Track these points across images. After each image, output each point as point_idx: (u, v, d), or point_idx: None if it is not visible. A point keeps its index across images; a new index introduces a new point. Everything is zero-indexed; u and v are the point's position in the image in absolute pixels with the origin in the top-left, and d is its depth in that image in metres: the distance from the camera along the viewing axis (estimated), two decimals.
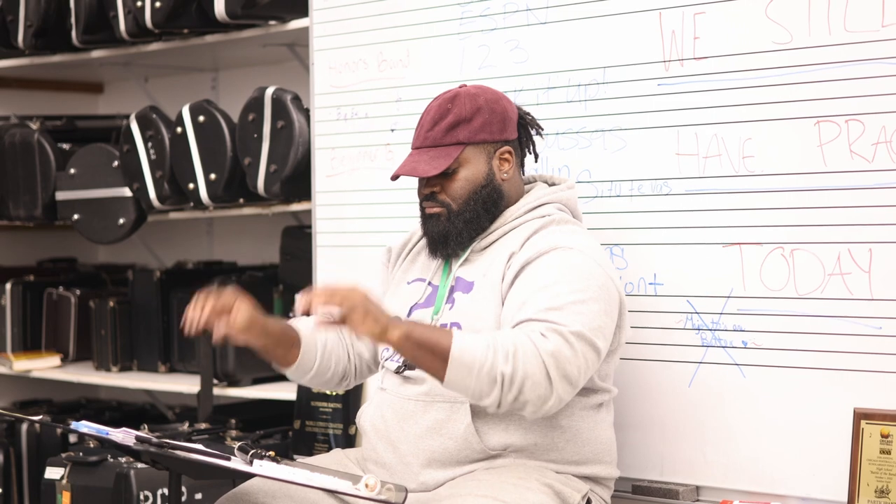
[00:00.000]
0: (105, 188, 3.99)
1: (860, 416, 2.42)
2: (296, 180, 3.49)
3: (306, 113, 3.48)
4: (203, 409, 3.70)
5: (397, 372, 2.46)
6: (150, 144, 3.83)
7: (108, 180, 3.98)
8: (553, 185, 2.58)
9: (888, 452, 2.39)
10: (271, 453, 2.22)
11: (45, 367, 4.30)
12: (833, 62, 2.46)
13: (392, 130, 3.16)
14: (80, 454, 3.26)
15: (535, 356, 2.19)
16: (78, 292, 4.34)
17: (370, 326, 2.19)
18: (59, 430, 4.06)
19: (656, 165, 2.70)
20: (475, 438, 2.35)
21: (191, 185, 3.72)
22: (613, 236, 2.76)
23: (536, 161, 2.63)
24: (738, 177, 2.59)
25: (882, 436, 2.40)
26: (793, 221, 2.52)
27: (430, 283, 2.51)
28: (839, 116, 2.46)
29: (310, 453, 3.25)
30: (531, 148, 2.58)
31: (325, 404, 3.32)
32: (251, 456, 2.21)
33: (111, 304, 4.14)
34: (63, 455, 3.30)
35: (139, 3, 3.74)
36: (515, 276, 2.36)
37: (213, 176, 3.68)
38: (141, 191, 3.87)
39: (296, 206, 3.62)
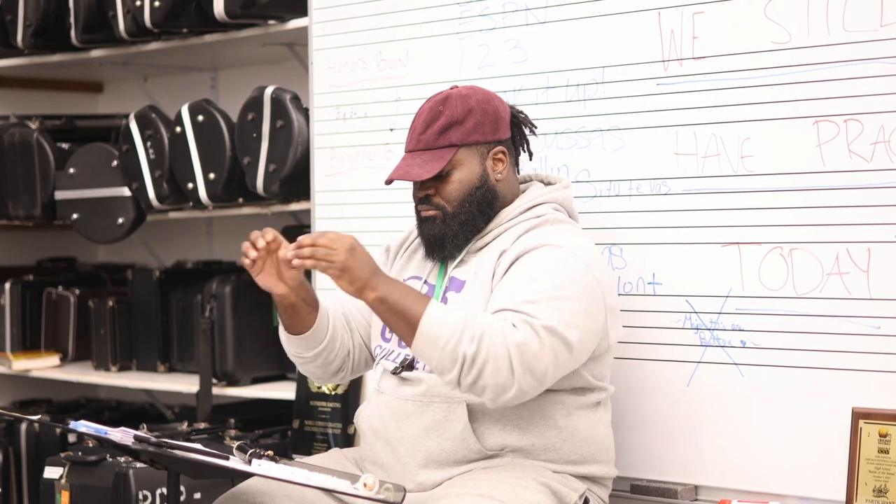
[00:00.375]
0: (104, 188, 3.99)
1: (858, 416, 2.42)
2: (295, 180, 3.49)
3: (305, 112, 3.48)
4: (202, 408, 3.70)
5: (394, 373, 2.46)
6: (149, 144, 3.83)
7: (107, 180, 3.98)
8: (549, 184, 2.57)
9: (886, 452, 2.39)
10: (270, 453, 2.23)
11: (44, 366, 4.30)
12: (832, 62, 2.46)
13: (391, 130, 3.16)
14: (79, 454, 3.26)
15: (501, 343, 2.19)
16: (77, 292, 4.34)
17: (345, 284, 2.24)
18: (58, 430, 4.06)
19: (655, 165, 2.70)
20: (472, 439, 2.35)
21: (190, 185, 3.72)
22: (612, 236, 2.76)
23: (531, 159, 2.63)
24: (737, 176, 2.59)
25: (880, 435, 2.40)
26: (791, 221, 2.52)
27: (426, 282, 2.51)
28: (838, 116, 2.46)
29: (308, 453, 3.25)
30: (525, 147, 2.58)
31: (323, 404, 3.32)
32: (250, 455, 2.21)
33: (110, 303, 4.14)
34: (62, 454, 3.29)
35: (138, 3, 3.74)
36: (504, 272, 2.37)
37: (212, 175, 3.68)
38: (140, 190, 3.87)
39: (295, 206, 3.62)
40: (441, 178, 2.44)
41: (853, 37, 2.44)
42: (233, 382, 3.76)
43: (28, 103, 4.71)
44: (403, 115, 3.12)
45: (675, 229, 2.67)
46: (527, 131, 2.58)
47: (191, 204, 3.80)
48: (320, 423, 3.32)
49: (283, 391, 3.62)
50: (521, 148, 2.57)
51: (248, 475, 2.36)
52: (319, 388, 3.33)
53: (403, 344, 2.48)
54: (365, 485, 2.06)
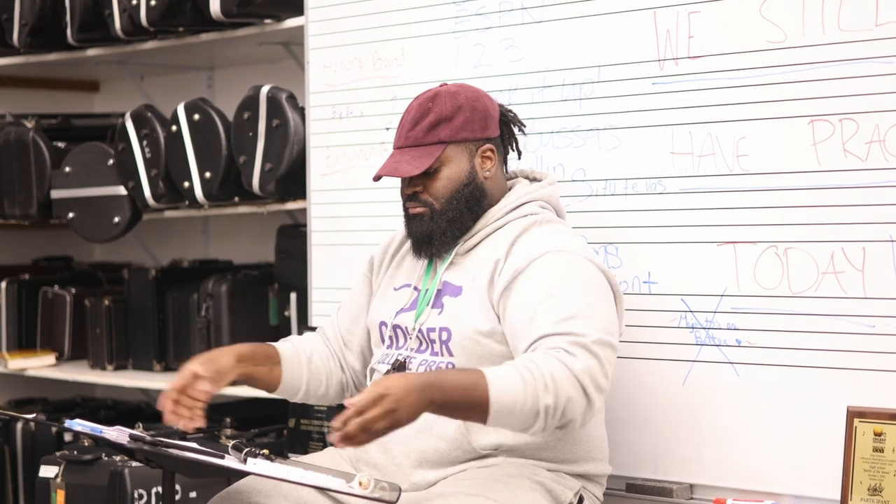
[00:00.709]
0: (100, 186, 3.99)
1: (853, 415, 2.42)
2: (291, 179, 3.49)
3: (301, 111, 3.48)
4: None
5: (386, 374, 2.46)
6: (145, 143, 3.83)
7: (103, 179, 3.98)
8: (534, 180, 2.57)
9: (881, 450, 2.40)
10: (265, 451, 2.22)
11: (40, 365, 4.29)
12: (827, 61, 2.46)
13: (387, 129, 3.16)
14: (75, 453, 3.26)
15: (571, 379, 2.16)
16: (73, 291, 4.33)
17: (406, 423, 2.08)
18: (53, 429, 4.06)
19: (651, 164, 2.70)
20: (465, 438, 2.35)
21: (186, 184, 3.72)
22: (608, 235, 2.76)
23: (520, 158, 2.63)
24: (733, 175, 2.59)
25: (875, 434, 2.40)
26: (787, 220, 2.52)
27: (415, 288, 2.50)
28: (833, 115, 2.46)
29: (304, 452, 3.24)
30: (514, 145, 2.58)
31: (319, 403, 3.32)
32: (245, 454, 2.21)
33: (106, 302, 4.13)
34: (58, 453, 3.29)
35: (134, 2, 3.73)
36: (507, 286, 2.34)
37: (208, 174, 3.68)
38: (136, 189, 3.86)
39: (291, 205, 3.62)
40: (429, 174, 2.44)
41: (848, 36, 2.44)
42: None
43: (24, 102, 4.70)
44: (399, 115, 3.09)
45: (671, 228, 2.68)
46: (516, 130, 2.57)
47: (187, 203, 3.80)
48: (316, 422, 3.32)
49: None
50: (509, 146, 2.57)
51: (243, 474, 2.36)
52: None
53: (399, 346, 2.49)
54: (360, 483, 2.06)
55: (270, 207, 3.70)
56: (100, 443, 2.55)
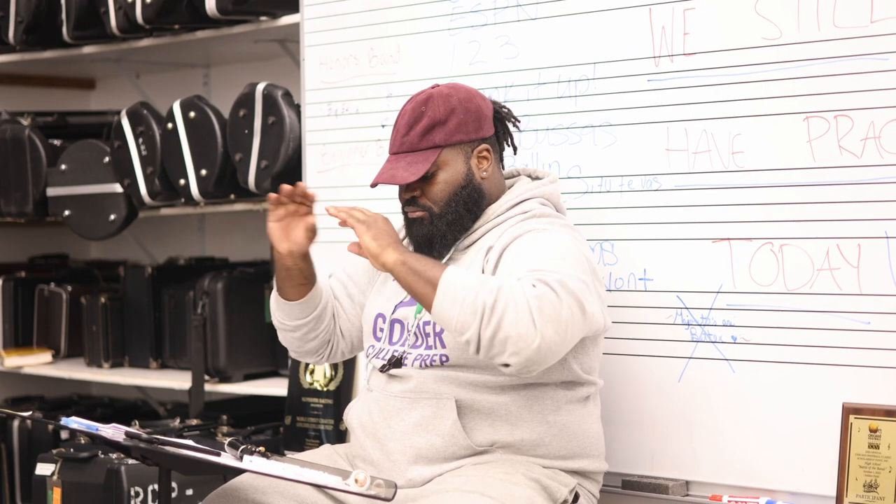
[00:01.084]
0: (96, 184, 3.99)
1: (849, 411, 2.43)
2: (286, 176, 3.49)
3: (297, 109, 3.48)
4: (194, 405, 3.70)
5: (382, 370, 2.46)
6: (140, 140, 3.83)
7: (99, 176, 3.98)
8: (536, 178, 2.57)
9: (877, 447, 2.40)
10: (261, 449, 2.22)
11: (36, 363, 4.29)
12: (822, 58, 2.47)
13: (383, 126, 3.16)
14: (71, 450, 3.26)
15: (520, 294, 2.15)
16: (69, 288, 4.34)
17: (369, 243, 2.33)
18: (50, 427, 4.06)
19: (646, 161, 2.70)
20: (461, 435, 2.35)
21: (181, 181, 3.72)
22: (603, 232, 2.76)
23: (515, 154, 2.63)
24: (728, 172, 2.59)
25: (871, 430, 2.41)
26: (782, 217, 2.52)
27: None
28: (828, 112, 2.46)
29: (301, 449, 3.25)
30: (509, 141, 2.58)
31: (316, 400, 3.32)
32: (241, 451, 2.21)
33: (103, 300, 4.13)
34: (54, 451, 3.29)
35: None
36: (495, 265, 2.36)
37: (203, 172, 3.68)
38: (132, 187, 3.86)
39: None
40: (426, 179, 2.44)
41: (843, 33, 2.44)
42: (225, 379, 3.76)
43: (20, 100, 4.70)
44: (395, 112, 3.08)
45: (666, 225, 2.68)
46: (510, 125, 2.57)
47: (182, 200, 3.80)
48: (312, 419, 3.32)
49: (276, 388, 3.62)
50: (505, 143, 2.57)
51: (239, 471, 2.36)
52: (311, 384, 3.33)
53: (394, 341, 2.49)
54: (356, 481, 2.06)
55: (266, 205, 3.69)
56: (96, 440, 2.56)
